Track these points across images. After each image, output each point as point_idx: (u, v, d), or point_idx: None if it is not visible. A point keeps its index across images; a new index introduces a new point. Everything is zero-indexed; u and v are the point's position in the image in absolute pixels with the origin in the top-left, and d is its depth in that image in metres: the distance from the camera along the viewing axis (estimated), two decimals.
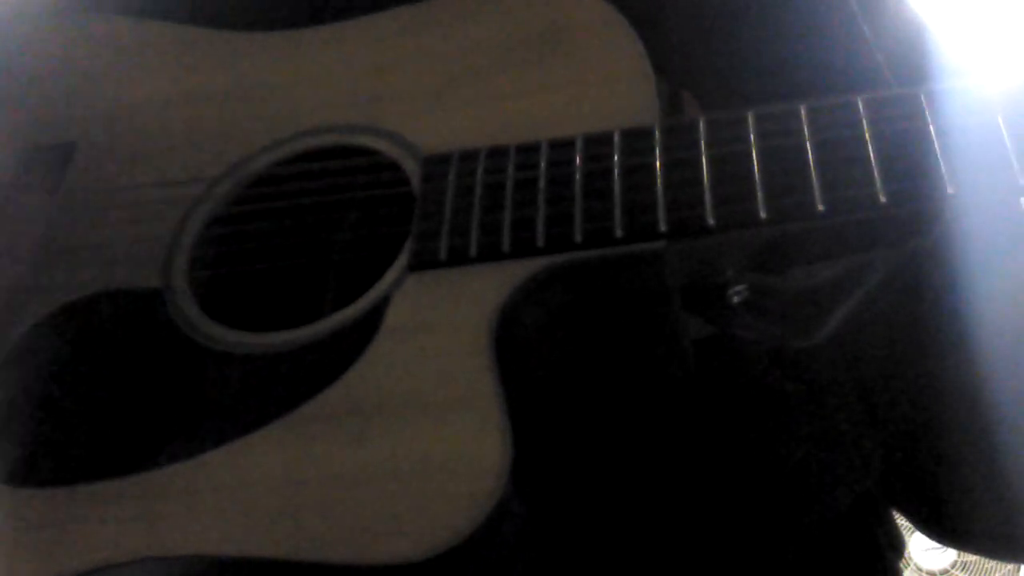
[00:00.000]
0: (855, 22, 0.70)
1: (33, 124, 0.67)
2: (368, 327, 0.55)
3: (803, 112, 0.53)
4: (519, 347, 0.54)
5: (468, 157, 0.57)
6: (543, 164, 0.56)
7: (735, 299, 0.56)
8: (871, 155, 0.51)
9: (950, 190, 0.49)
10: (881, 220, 0.51)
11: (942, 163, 0.49)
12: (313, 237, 0.62)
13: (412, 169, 0.59)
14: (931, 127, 0.50)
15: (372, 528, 0.49)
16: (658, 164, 0.54)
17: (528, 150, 0.57)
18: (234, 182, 0.64)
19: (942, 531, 0.75)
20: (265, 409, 0.54)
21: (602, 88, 0.59)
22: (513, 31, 0.62)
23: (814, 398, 0.66)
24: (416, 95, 0.62)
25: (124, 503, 0.54)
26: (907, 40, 0.71)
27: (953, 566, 2.33)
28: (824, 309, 0.58)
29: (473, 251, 0.54)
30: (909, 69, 0.68)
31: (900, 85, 0.67)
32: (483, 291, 0.53)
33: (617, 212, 0.53)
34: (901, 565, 0.79)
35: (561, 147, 0.56)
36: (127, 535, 0.53)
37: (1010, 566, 2.39)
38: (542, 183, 0.55)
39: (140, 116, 0.68)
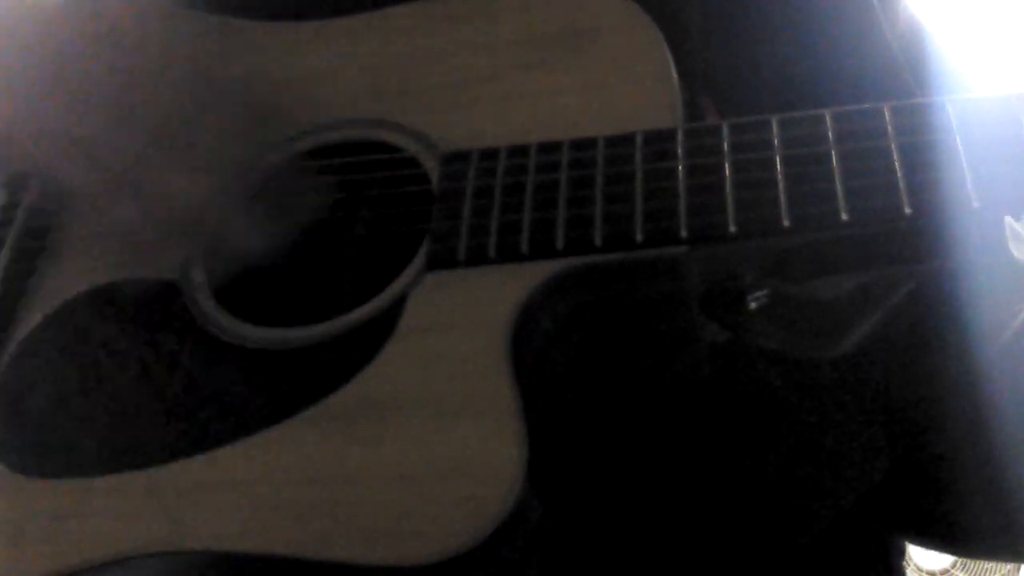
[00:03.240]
0: (876, 23, 0.69)
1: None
2: (385, 326, 0.54)
3: (828, 119, 0.53)
4: (536, 349, 0.53)
5: (488, 156, 0.57)
6: (564, 164, 0.55)
7: (753, 305, 0.56)
8: (897, 165, 0.50)
9: (976, 204, 0.48)
10: (905, 232, 0.51)
11: (968, 176, 0.49)
12: (331, 232, 0.62)
13: (432, 166, 0.59)
14: (958, 139, 0.50)
15: (385, 529, 0.49)
16: (680, 168, 0.53)
17: (549, 150, 0.56)
18: (255, 174, 0.63)
19: (944, 538, 0.75)
20: (280, 405, 0.54)
21: (625, 89, 0.58)
22: (537, 29, 0.62)
23: (818, 400, 0.66)
24: (437, 91, 0.62)
25: (138, 497, 0.54)
26: (910, 44, 0.71)
27: (953, 566, 2.33)
28: (843, 324, 0.58)
29: (492, 252, 0.54)
30: (912, 72, 0.68)
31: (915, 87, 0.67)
32: (501, 292, 0.53)
33: (638, 216, 0.53)
34: (903, 564, 0.79)
35: (582, 147, 0.56)
36: (140, 529, 0.53)
37: (1010, 566, 2.40)
38: (563, 184, 0.55)
39: (160, 105, 0.67)
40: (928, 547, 0.83)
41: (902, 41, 0.71)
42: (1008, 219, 0.53)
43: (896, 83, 0.68)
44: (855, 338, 0.58)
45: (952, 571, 2.32)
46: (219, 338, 0.58)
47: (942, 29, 0.74)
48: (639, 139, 0.55)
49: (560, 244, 0.53)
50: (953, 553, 1.61)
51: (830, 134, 0.52)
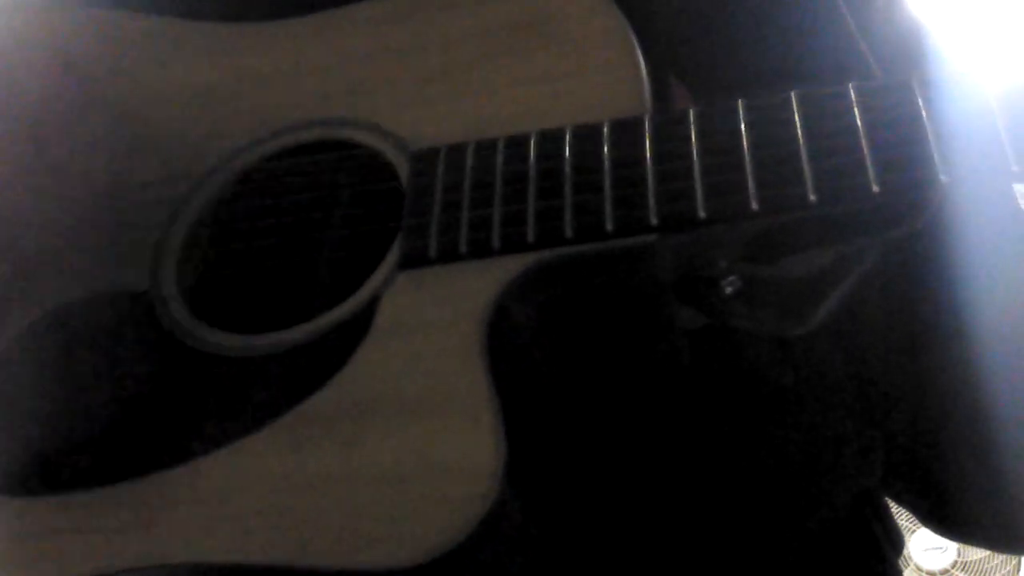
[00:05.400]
0: (840, 13, 0.69)
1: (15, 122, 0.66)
2: (358, 327, 0.54)
3: (794, 101, 0.53)
4: (511, 344, 0.53)
5: (456, 151, 0.57)
6: (532, 157, 0.55)
7: (728, 290, 0.56)
8: (863, 144, 0.50)
9: (943, 178, 0.48)
10: (874, 209, 0.51)
11: (935, 151, 0.49)
12: (301, 235, 0.61)
13: (400, 164, 0.59)
14: (923, 114, 0.50)
15: (366, 533, 0.49)
16: (648, 156, 0.53)
17: (517, 143, 0.56)
18: (220, 180, 0.63)
19: (942, 523, 0.75)
20: (256, 412, 0.53)
21: (592, 77, 0.58)
22: (501, 19, 0.61)
23: (813, 393, 0.66)
24: (402, 87, 0.62)
25: (116, 511, 0.53)
26: (899, 39, 0.71)
27: (953, 566, 2.33)
28: (818, 296, 0.58)
29: (463, 248, 0.54)
30: (903, 67, 0.68)
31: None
32: (474, 289, 0.53)
33: (608, 206, 0.52)
34: (901, 564, 0.78)
35: (550, 139, 0.55)
36: (120, 544, 0.52)
37: (1010, 566, 2.39)
38: (531, 177, 0.55)
39: (123, 113, 0.67)
40: (931, 530, 0.83)
41: (886, 36, 0.71)
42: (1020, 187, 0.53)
43: (861, 73, 0.68)
44: (828, 308, 0.58)
45: (952, 571, 2.31)
46: (192, 347, 0.58)
47: (941, 27, 0.74)
48: (606, 128, 0.55)
49: (531, 237, 0.53)
50: (951, 539, 1.61)
51: (796, 116, 0.52)
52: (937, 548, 2.33)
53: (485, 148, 0.56)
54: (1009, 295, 0.62)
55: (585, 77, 0.58)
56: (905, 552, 0.91)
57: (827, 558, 0.69)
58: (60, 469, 0.56)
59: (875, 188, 0.49)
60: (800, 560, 0.67)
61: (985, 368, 0.63)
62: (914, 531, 2.16)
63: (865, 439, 0.68)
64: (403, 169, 0.58)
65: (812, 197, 0.50)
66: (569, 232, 0.52)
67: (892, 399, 0.70)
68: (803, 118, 0.52)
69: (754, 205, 0.50)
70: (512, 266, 0.53)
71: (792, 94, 0.53)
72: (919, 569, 2.31)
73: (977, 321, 0.62)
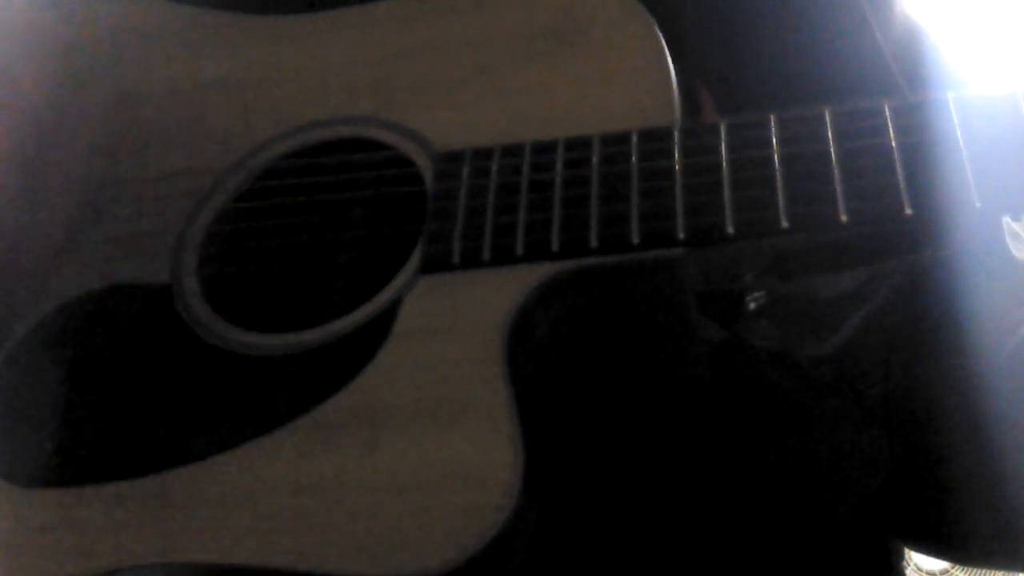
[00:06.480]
0: (866, 22, 0.69)
1: (39, 112, 0.66)
2: (379, 330, 0.54)
3: (828, 117, 0.52)
4: (532, 353, 0.53)
5: (482, 155, 0.56)
6: (559, 164, 0.54)
7: (752, 306, 0.55)
8: (897, 164, 0.49)
9: (978, 204, 0.47)
10: (904, 231, 0.50)
11: (970, 175, 0.48)
12: (323, 234, 0.61)
13: (425, 166, 0.58)
14: (960, 137, 0.49)
15: (381, 540, 0.48)
16: (677, 168, 0.52)
17: (544, 149, 0.55)
18: (244, 175, 0.62)
19: (940, 540, 0.75)
20: (274, 413, 0.53)
21: (622, 84, 0.57)
22: (530, 22, 0.60)
23: (823, 404, 0.66)
24: (429, 87, 0.61)
25: (132, 507, 0.53)
26: (907, 44, 0.70)
27: (953, 566, 2.32)
28: (840, 318, 0.57)
29: (486, 254, 0.53)
30: (908, 72, 0.67)
31: (907, 88, 0.66)
32: (496, 296, 0.52)
33: (634, 217, 0.52)
34: (903, 565, 0.78)
35: (577, 146, 0.55)
36: (134, 540, 0.52)
37: None
38: (558, 184, 0.54)
39: (147, 104, 0.67)
40: (924, 552, 0.83)
41: (899, 42, 0.70)
42: (1006, 219, 0.53)
43: (886, 84, 0.67)
44: (848, 330, 0.57)
45: (952, 571, 2.31)
46: (211, 344, 0.57)
47: (939, 30, 0.74)
48: (635, 138, 0.54)
49: (555, 246, 0.52)
50: (949, 559, 1.62)
51: (829, 133, 0.51)
52: None
53: (511, 153, 0.55)
54: (1012, 312, 0.61)
55: (614, 84, 0.57)
56: (906, 553, 0.91)
57: (832, 559, 0.69)
58: (75, 463, 0.56)
59: (908, 211, 0.48)
60: (806, 561, 0.67)
61: (988, 381, 0.62)
62: None
63: (871, 449, 0.68)
64: (427, 171, 0.58)
65: (844, 218, 0.49)
66: (594, 242, 0.52)
67: (902, 411, 0.69)
68: (836, 136, 0.51)
69: (784, 223, 0.49)
70: (535, 274, 0.52)
71: (826, 110, 0.52)
72: (919, 569, 2.31)
73: (979, 337, 0.61)
